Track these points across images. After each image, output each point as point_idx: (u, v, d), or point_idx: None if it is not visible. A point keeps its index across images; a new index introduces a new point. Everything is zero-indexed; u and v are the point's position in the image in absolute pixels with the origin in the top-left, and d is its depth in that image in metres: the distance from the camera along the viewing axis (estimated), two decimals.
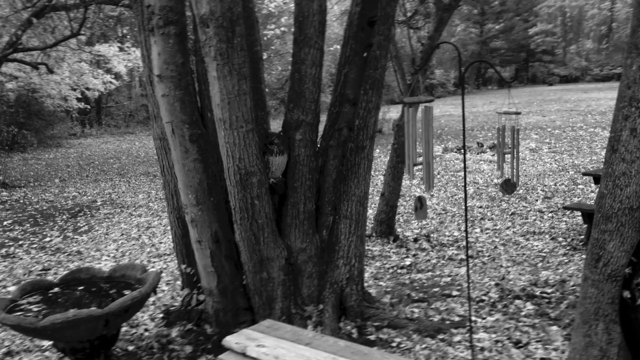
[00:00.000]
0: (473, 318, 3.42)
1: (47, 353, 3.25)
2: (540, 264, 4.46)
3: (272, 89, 20.57)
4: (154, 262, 5.15)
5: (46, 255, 5.59)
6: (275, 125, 3.36)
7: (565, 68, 38.86)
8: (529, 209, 6.32)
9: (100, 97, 20.18)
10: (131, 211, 7.52)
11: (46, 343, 3.33)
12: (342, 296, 3.42)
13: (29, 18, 9.28)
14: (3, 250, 5.79)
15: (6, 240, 6.24)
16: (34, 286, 3.18)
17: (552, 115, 16.82)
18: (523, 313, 3.47)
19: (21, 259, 5.47)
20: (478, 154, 10.70)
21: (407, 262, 4.70)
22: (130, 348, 3.19)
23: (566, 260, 4.50)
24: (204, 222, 3.10)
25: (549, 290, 3.82)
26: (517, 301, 3.66)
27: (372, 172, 8.90)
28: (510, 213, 6.18)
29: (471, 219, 6.01)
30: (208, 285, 3.22)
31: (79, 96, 15.54)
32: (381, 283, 4.20)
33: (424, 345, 3.06)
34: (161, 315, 3.53)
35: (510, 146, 2.86)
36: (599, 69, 36.39)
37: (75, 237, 6.31)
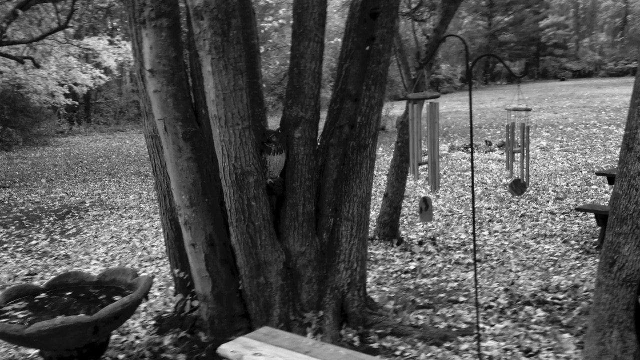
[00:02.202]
0: (481, 325, 3.42)
1: None
2: (551, 269, 4.46)
3: (269, 84, 20.59)
4: (146, 266, 5.15)
5: (32, 259, 5.60)
6: (273, 122, 3.37)
7: (578, 62, 38.88)
8: (539, 210, 6.33)
9: (89, 92, 20.21)
10: (121, 213, 7.53)
11: (32, 351, 3.33)
12: (344, 302, 3.42)
13: (14, 10, 9.29)
14: None
15: None
16: (19, 291, 3.18)
17: (564, 111, 16.83)
18: (533, 320, 3.47)
19: (6, 263, 5.47)
20: (486, 152, 10.70)
21: (412, 266, 4.71)
22: (121, 357, 3.19)
23: (579, 265, 4.51)
24: (198, 224, 3.10)
25: (561, 296, 3.82)
26: (527, 307, 3.66)
27: (375, 172, 8.90)
28: (520, 215, 6.19)
29: (479, 221, 6.01)
30: (202, 290, 3.22)
31: (67, 92, 15.55)
32: (384, 288, 4.20)
33: (429, 354, 3.06)
34: (153, 322, 3.54)
35: (519, 144, 2.87)
36: (613, 63, 36.42)
37: (63, 240, 6.32)
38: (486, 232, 5.59)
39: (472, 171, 2.85)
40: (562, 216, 6.01)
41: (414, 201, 7.14)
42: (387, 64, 3.40)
